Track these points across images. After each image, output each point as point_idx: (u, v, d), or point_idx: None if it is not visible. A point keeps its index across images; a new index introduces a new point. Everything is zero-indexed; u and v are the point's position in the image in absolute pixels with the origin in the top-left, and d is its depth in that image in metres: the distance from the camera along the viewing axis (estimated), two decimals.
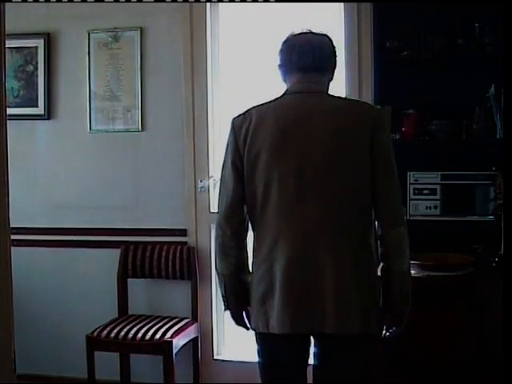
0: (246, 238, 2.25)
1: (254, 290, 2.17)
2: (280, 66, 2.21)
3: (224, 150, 2.24)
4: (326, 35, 2.21)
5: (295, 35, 2.19)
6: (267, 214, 2.11)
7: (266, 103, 2.19)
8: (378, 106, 2.47)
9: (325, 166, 2.07)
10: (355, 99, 2.65)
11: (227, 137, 2.23)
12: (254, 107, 2.20)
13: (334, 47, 2.21)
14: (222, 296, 2.28)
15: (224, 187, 2.21)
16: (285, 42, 2.20)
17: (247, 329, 2.29)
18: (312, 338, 2.20)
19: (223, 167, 2.23)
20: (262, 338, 2.22)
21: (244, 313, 2.28)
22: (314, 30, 2.20)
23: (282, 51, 2.20)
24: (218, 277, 2.28)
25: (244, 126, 2.16)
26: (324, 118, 2.10)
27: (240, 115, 2.21)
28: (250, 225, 2.22)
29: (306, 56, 2.14)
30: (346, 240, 2.09)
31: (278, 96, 2.20)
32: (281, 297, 2.08)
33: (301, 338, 2.16)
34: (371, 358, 2.22)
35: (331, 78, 2.23)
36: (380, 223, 2.16)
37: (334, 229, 2.08)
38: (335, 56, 2.21)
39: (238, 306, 2.27)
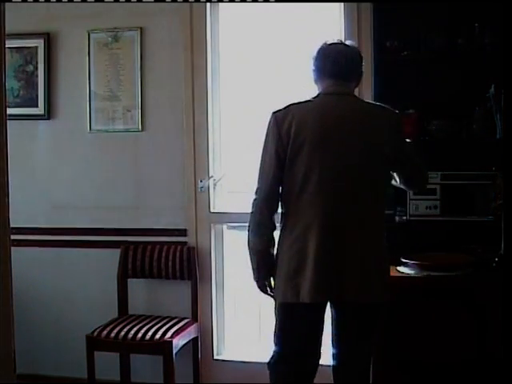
0: (276, 218, 2.57)
1: (285, 265, 2.49)
2: (314, 70, 2.57)
3: (264, 140, 2.53)
4: (355, 47, 2.61)
5: (329, 44, 2.55)
6: (304, 199, 2.45)
7: (305, 102, 2.53)
8: (397, 111, 2.62)
9: (358, 160, 2.45)
10: (376, 102, 2.78)
11: (268, 127, 2.52)
12: (292, 104, 2.52)
13: (361, 58, 2.59)
14: (253, 269, 2.58)
15: (265, 172, 2.52)
16: (319, 50, 2.56)
17: (272, 297, 2.60)
18: (332, 307, 2.57)
19: (264, 154, 2.53)
20: (288, 307, 2.53)
21: (267, 283, 2.60)
22: (344, 41, 2.59)
23: (316, 58, 2.56)
24: (251, 253, 2.56)
25: (287, 120, 2.46)
26: (357, 117, 2.50)
27: (281, 110, 2.51)
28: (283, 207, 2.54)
29: (339, 65, 2.51)
30: (370, 225, 2.48)
31: (314, 96, 2.55)
32: (313, 272, 2.41)
33: (322, 306, 2.54)
34: (378, 322, 2.59)
35: (357, 85, 2.63)
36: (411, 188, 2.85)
37: (362, 215, 2.46)
38: (362, 65, 2.59)
39: (266, 277, 2.58)
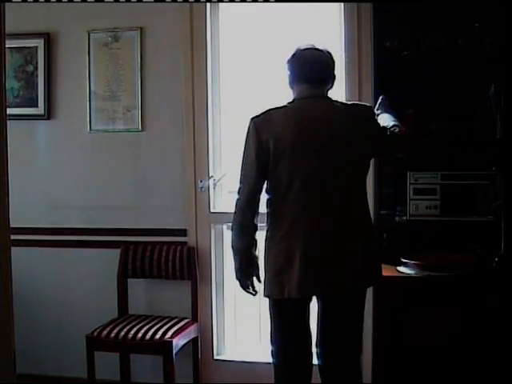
0: (257, 219, 2.63)
1: (271, 262, 2.57)
2: (289, 75, 2.64)
3: (244, 144, 2.60)
4: (328, 51, 2.64)
5: (303, 50, 2.63)
6: (289, 199, 2.51)
7: (282, 107, 2.60)
8: (368, 104, 2.75)
9: (339, 158, 2.52)
10: (349, 101, 2.91)
11: (248, 132, 2.59)
12: (270, 109, 2.58)
13: (334, 62, 2.65)
14: (236, 269, 2.66)
15: (247, 175, 2.59)
16: (293, 55, 2.64)
17: (253, 295, 2.69)
18: (318, 299, 2.65)
19: (244, 158, 2.60)
20: (275, 303, 2.62)
21: (249, 282, 2.67)
22: (316, 46, 2.62)
23: (292, 63, 2.63)
24: (234, 253, 2.65)
25: (265, 125, 2.55)
26: (333, 117, 2.58)
27: (259, 115, 2.58)
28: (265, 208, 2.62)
29: (315, 71, 2.59)
30: (354, 220, 2.55)
31: (290, 102, 2.62)
32: (300, 269, 2.48)
33: (307, 300, 2.63)
34: (361, 314, 2.65)
35: (330, 88, 2.67)
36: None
37: (346, 212, 2.53)
38: (334, 69, 2.66)
39: (248, 276, 2.65)
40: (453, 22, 3.17)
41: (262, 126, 2.55)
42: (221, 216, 3.65)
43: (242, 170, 2.62)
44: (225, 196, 3.72)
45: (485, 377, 2.83)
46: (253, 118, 2.58)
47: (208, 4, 3.61)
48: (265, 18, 3.61)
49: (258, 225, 2.64)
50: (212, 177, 3.63)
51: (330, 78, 2.65)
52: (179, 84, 3.63)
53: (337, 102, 2.67)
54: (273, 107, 2.60)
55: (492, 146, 3.07)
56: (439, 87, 3.22)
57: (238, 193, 2.63)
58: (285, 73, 2.66)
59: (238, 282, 2.70)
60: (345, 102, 2.86)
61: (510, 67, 2.93)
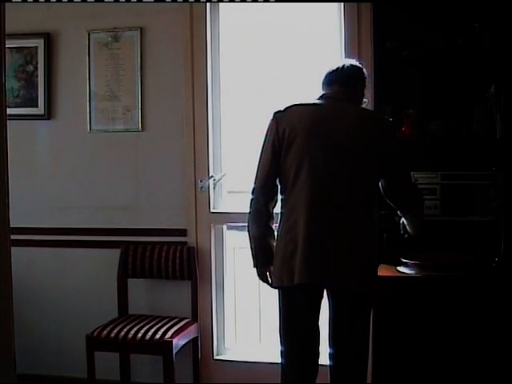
0: (274, 209, 2.70)
1: (282, 250, 2.61)
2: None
3: (264, 136, 2.69)
4: (360, 67, 2.75)
5: (342, 62, 2.81)
6: (296, 188, 2.58)
7: (305, 103, 2.69)
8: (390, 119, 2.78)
9: (345, 156, 2.57)
10: (369, 109, 2.94)
11: (268, 125, 2.69)
12: (293, 105, 2.68)
13: (361, 75, 2.74)
14: (252, 256, 2.72)
15: (262, 162, 2.68)
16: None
17: (270, 285, 2.71)
18: (325, 291, 2.66)
19: (263, 147, 2.69)
20: (284, 293, 2.65)
21: (266, 271, 2.71)
22: (356, 63, 2.77)
23: (328, 69, 2.77)
24: (250, 239, 2.71)
25: (285, 117, 2.65)
26: (349, 118, 2.64)
27: (282, 110, 2.68)
28: (279, 199, 2.69)
29: (337, 75, 2.70)
30: (355, 217, 2.57)
31: (315, 99, 2.71)
32: (301, 255, 2.53)
33: (314, 289, 2.63)
34: (369, 317, 2.69)
35: (353, 94, 2.72)
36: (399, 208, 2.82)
37: (347, 208, 2.56)
38: (359, 81, 2.74)
39: (265, 264, 2.70)
40: (452, 22, 3.16)
41: (282, 118, 2.65)
42: (221, 216, 3.65)
43: (258, 163, 2.69)
44: (225, 196, 3.72)
45: (485, 376, 2.82)
46: (276, 112, 2.67)
47: (208, 4, 3.61)
48: (265, 18, 3.61)
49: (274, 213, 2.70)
50: (212, 177, 3.63)
51: (351, 85, 2.70)
52: (179, 84, 3.63)
53: (361, 107, 2.74)
54: (297, 103, 2.68)
55: (492, 146, 3.07)
56: (439, 87, 3.22)
57: (254, 183, 2.69)
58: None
59: (255, 270, 2.73)
60: (370, 110, 2.90)
61: (510, 67, 2.93)
